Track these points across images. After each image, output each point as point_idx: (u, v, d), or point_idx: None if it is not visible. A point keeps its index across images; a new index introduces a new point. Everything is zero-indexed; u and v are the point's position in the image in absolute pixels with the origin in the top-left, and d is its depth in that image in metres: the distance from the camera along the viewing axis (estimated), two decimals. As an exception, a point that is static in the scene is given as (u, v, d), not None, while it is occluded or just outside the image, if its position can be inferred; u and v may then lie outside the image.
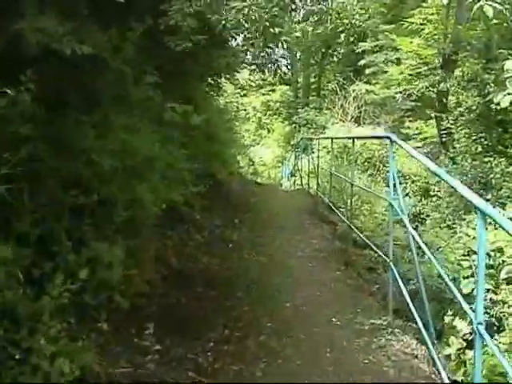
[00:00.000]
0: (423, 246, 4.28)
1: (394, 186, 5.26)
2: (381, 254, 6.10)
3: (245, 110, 32.95)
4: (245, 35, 5.01)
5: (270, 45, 4.87)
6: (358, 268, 7.54)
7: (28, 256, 3.82)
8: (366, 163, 17.93)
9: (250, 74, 20.52)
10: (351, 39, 27.65)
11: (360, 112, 22.55)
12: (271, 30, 4.64)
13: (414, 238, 4.56)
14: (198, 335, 4.69)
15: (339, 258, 7.71)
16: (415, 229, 10.64)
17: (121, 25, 4.22)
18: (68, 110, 4.16)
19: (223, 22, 4.30)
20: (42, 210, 4.10)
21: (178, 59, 6.16)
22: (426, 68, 16.92)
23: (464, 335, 5.10)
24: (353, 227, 7.78)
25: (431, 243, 8.27)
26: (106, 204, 4.72)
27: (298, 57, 34.23)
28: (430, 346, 4.24)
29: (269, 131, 35.67)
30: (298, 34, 28.39)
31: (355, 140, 12.36)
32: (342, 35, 27.51)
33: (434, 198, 13.14)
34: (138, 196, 5.01)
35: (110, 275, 4.41)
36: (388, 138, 5.36)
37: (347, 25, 25.73)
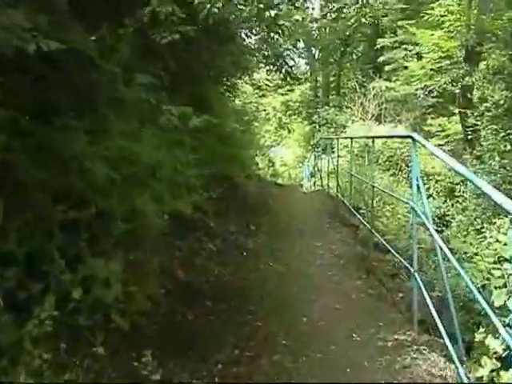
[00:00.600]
0: (450, 256, 3.85)
1: (418, 188, 4.83)
2: (404, 262, 5.66)
3: (264, 110, 32.70)
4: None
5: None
6: (380, 275, 7.11)
7: (13, 278, 3.49)
8: (387, 162, 17.44)
9: (267, 74, 20.16)
10: (369, 32, 26.99)
11: (380, 110, 22.05)
12: (267, 13, 4.21)
13: (440, 247, 4.13)
14: (204, 356, 4.30)
15: (360, 265, 7.30)
16: (440, 232, 10.17)
17: (111, 22, 3.85)
18: (55, 116, 3.81)
19: (208, 5, 3.87)
20: (30, 226, 3.76)
21: (180, 59, 5.80)
22: (448, 62, 16.25)
23: (496, 352, 4.64)
24: (374, 232, 7.35)
25: (459, 250, 7.79)
26: (103, 216, 4.37)
27: (317, 56, 33.85)
28: (460, 368, 3.81)
29: (289, 131, 35.40)
30: (314, 32, 27.96)
31: (376, 139, 12.01)
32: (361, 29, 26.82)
33: (460, 199, 12.52)
34: (139, 207, 4.66)
35: (107, 293, 4.06)
36: (410, 137, 4.91)
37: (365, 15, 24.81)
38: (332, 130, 25.02)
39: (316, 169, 20.49)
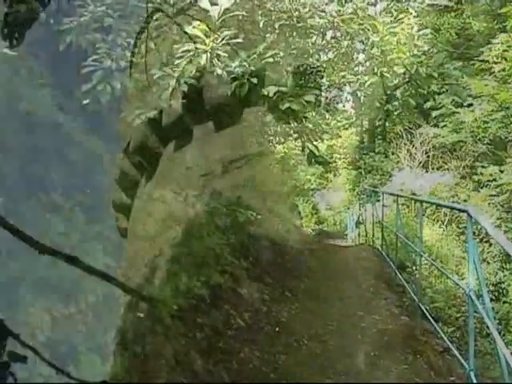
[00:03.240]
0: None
1: (476, 270, 4.06)
2: (459, 356, 4.84)
3: (310, 152, 32.20)
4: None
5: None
6: (429, 354, 6.28)
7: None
8: (436, 213, 16.52)
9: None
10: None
11: (428, 157, 21.16)
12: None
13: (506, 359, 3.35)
14: None
15: (406, 343, 6.47)
16: (495, 300, 9.17)
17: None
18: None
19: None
20: None
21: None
22: (503, 114, 15.13)
23: None
24: (421, 306, 6.54)
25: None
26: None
27: (362, 100, 33.28)
28: None
29: (335, 175, 35.02)
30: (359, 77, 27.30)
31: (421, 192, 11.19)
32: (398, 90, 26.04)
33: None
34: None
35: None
36: (466, 212, 4.15)
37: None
38: (378, 177, 24.31)
39: (361, 219, 19.70)
